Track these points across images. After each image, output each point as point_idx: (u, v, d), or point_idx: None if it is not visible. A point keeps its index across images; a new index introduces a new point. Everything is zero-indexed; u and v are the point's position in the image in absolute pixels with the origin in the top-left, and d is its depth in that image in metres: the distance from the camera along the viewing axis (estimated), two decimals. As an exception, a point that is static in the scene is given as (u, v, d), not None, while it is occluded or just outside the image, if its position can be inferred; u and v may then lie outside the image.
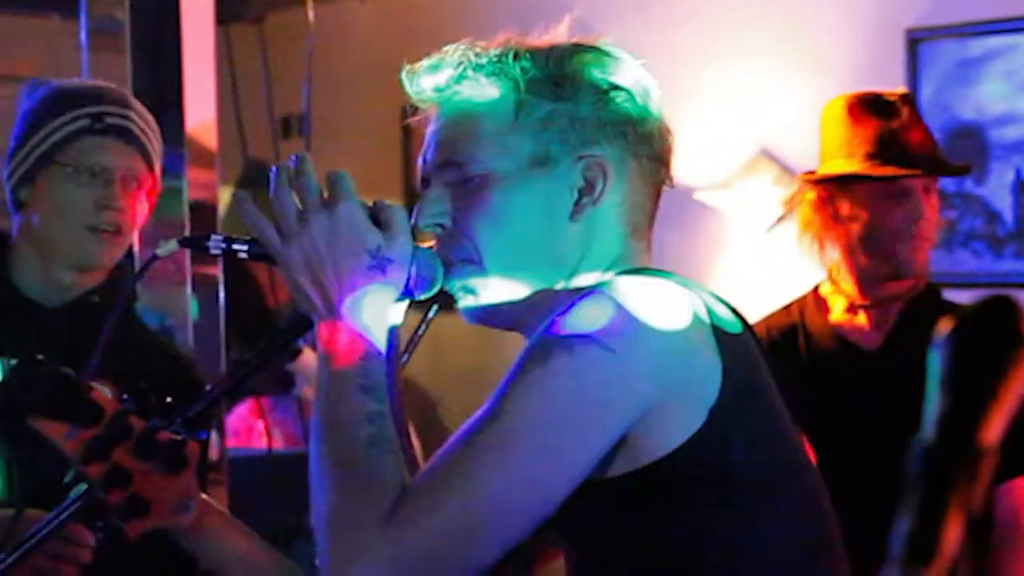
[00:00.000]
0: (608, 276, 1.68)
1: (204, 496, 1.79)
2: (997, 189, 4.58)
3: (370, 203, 1.70)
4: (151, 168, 2.43)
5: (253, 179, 4.30)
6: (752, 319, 3.09)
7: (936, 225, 2.98)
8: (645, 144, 1.74)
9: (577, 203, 1.70)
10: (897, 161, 2.90)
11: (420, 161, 1.77)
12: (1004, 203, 4.57)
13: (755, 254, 3.10)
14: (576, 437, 1.52)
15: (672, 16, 5.33)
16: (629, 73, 1.74)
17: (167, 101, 2.69)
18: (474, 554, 1.52)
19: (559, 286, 1.71)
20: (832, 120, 3.01)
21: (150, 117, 2.45)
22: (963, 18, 4.65)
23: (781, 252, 3.05)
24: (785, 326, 3.02)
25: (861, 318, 3.01)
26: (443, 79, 1.74)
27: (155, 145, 2.43)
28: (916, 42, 4.71)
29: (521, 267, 1.70)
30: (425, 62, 1.76)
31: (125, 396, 1.72)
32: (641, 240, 1.76)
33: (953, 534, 0.82)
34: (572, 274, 1.71)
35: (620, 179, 1.72)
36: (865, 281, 2.99)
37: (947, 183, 4.65)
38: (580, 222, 1.70)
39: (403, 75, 1.76)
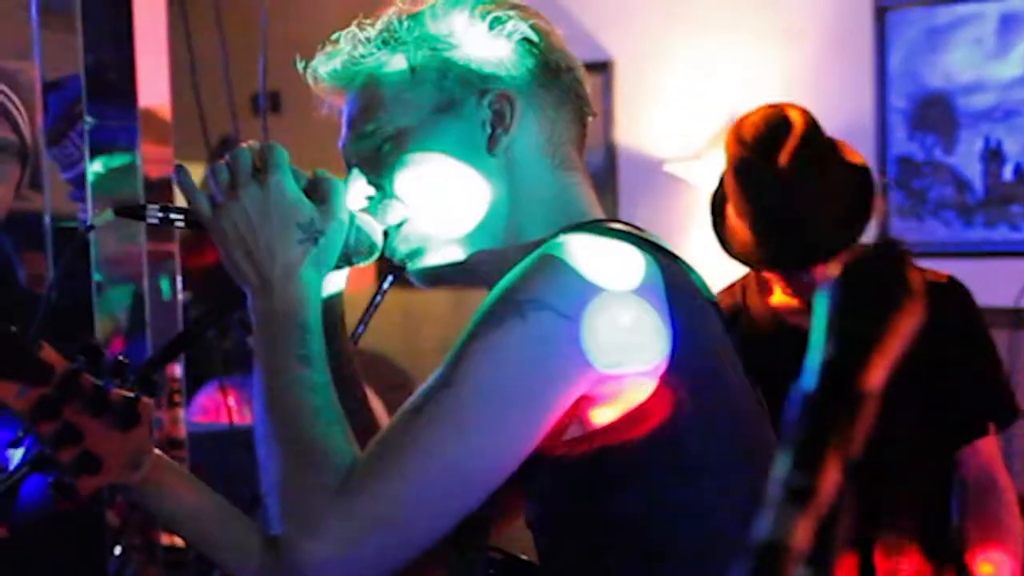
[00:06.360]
0: (561, 230, 1.68)
1: (158, 452, 1.79)
2: (966, 157, 4.58)
3: (309, 175, 1.71)
4: (17, 130, 2.38)
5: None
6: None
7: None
8: (549, 73, 1.75)
9: (491, 136, 1.71)
10: (779, 244, 2.83)
11: (340, 146, 1.79)
12: (973, 171, 4.57)
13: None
14: (528, 403, 1.52)
15: (641, -12, 5.33)
16: (519, 9, 1.76)
17: (120, 77, 2.70)
18: (429, 521, 1.53)
19: (508, 239, 1.71)
20: (725, 161, 2.92)
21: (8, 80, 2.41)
22: (931, -14, 4.66)
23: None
24: (729, 307, 3.00)
25: (798, 301, 3.01)
26: (339, 65, 1.76)
27: (19, 109, 2.38)
28: (884, 11, 4.71)
29: (454, 213, 1.72)
30: (319, 56, 1.78)
31: (79, 355, 1.73)
32: (574, 172, 1.77)
33: (831, 477, 0.82)
34: (515, 221, 1.72)
35: (531, 109, 1.73)
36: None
37: (916, 152, 4.67)
38: (499, 155, 1.72)
39: (306, 75, 1.78)
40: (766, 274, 3.01)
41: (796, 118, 2.86)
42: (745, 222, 2.84)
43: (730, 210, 2.90)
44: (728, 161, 2.88)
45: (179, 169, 1.73)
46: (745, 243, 2.85)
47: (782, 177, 2.79)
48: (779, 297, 3.00)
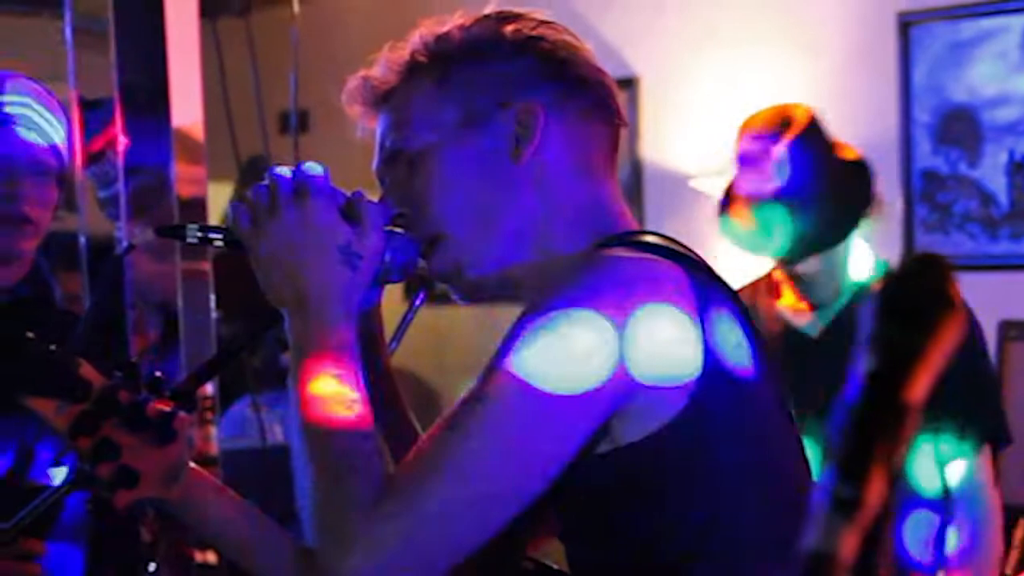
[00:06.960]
0: (595, 242, 1.69)
1: (194, 466, 1.81)
2: (991, 171, 4.58)
3: (348, 195, 1.72)
4: (57, 153, 2.40)
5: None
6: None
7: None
8: (576, 85, 1.76)
9: (517, 148, 1.72)
10: (776, 234, 3.01)
11: (374, 167, 1.81)
12: (998, 184, 4.57)
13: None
14: (563, 418, 1.53)
15: (665, 2, 5.35)
16: (545, 25, 1.77)
17: (153, 97, 2.72)
18: (463, 537, 1.53)
19: (541, 251, 1.72)
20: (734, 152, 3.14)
21: (53, 103, 2.43)
22: (954, 0, 4.66)
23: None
24: None
25: (805, 305, 3.10)
26: (371, 88, 1.79)
27: (59, 130, 2.40)
28: (908, 25, 4.72)
29: (487, 226, 1.73)
30: (352, 80, 1.80)
31: (116, 372, 1.75)
32: (605, 183, 1.78)
33: (876, 488, 0.83)
34: (547, 232, 1.73)
35: (558, 121, 1.74)
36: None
37: (940, 165, 4.67)
38: (525, 165, 1.72)
39: (343, 101, 1.80)
40: (775, 275, 3.13)
41: (799, 115, 2.98)
42: (746, 211, 3.02)
43: (736, 201, 3.09)
44: (735, 152, 3.07)
45: (238, 200, 1.76)
46: (746, 230, 3.03)
47: (779, 169, 2.95)
48: (787, 299, 3.07)
